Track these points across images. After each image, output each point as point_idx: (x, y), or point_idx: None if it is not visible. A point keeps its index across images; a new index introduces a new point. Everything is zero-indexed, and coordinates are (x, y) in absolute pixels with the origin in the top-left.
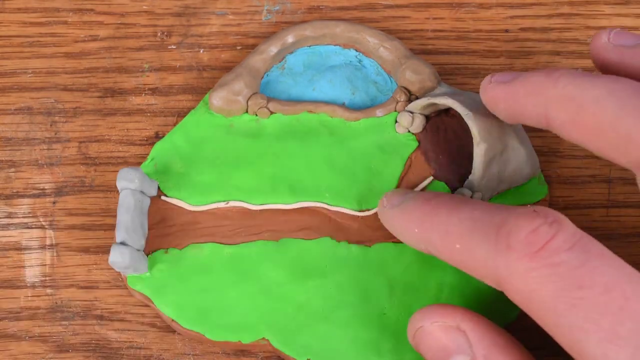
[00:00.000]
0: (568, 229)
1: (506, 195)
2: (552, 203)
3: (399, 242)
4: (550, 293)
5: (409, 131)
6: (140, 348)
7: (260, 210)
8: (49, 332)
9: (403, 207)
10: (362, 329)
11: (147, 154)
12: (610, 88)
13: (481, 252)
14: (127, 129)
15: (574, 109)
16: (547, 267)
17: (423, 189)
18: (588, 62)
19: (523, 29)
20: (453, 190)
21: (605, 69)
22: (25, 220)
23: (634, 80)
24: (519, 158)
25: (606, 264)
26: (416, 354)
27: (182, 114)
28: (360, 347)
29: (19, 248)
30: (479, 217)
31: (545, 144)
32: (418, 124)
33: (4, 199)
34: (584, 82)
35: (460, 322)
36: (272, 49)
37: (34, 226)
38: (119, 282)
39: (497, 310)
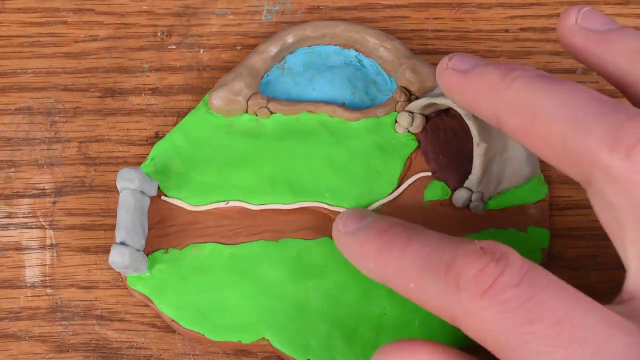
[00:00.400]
0: (515, 263)
1: (506, 195)
2: (552, 203)
3: None
4: (503, 330)
5: (409, 131)
6: (140, 348)
7: (260, 210)
8: (49, 332)
9: (358, 236)
10: (363, 328)
11: (147, 154)
12: (564, 98)
13: (434, 291)
14: (127, 129)
15: (526, 116)
16: (497, 305)
17: (414, 182)
18: None
19: (523, 29)
20: (453, 190)
21: (570, 52)
22: (25, 220)
23: (591, 90)
24: (519, 158)
25: (554, 295)
26: None
27: (182, 114)
28: (361, 347)
29: (19, 248)
30: (428, 254)
31: None
32: (418, 124)
33: (4, 199)
34: (538, 89)
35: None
36: (272, 49)
37: (34, 226)
38: (119, 282)
39: None
